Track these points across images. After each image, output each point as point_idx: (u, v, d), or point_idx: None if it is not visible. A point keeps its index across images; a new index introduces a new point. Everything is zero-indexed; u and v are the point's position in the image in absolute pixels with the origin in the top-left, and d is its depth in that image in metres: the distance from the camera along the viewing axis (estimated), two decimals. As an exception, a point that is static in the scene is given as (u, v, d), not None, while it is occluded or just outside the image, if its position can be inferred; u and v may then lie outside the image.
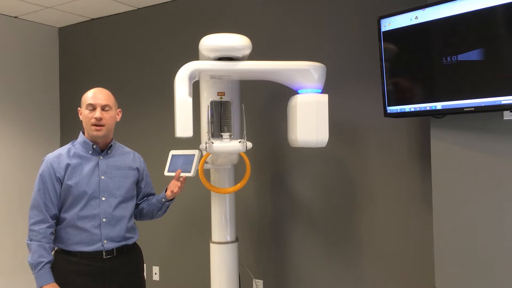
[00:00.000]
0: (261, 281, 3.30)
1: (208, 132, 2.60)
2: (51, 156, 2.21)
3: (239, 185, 2.71)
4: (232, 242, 2.83)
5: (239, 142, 2.54)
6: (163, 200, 2.37)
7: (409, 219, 2.81)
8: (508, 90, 1.95)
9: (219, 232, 2.82)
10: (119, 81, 4.02)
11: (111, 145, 2.29)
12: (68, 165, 2.17)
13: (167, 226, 3.76)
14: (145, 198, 2.45)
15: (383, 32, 2.38)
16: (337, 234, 3.05)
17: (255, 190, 3.35)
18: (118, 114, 2.31)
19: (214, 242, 2.83)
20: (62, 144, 4.43)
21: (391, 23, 2.35)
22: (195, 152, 2.69)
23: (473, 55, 2.03)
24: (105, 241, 2.17)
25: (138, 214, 2.44)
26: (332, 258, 3.07)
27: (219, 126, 2.67)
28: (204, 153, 2.57)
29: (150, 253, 3.81)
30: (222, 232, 2.82)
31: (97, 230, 2.16)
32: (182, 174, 2.43)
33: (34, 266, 2.07)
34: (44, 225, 2.11)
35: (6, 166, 4.05)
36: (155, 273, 3.82)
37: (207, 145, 2.49)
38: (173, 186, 2.35)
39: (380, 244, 2.90)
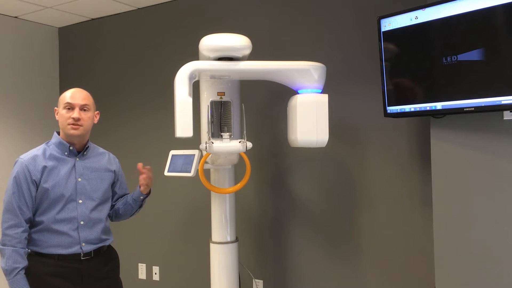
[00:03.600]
0: (261, 281, 3.30)
1: (208, 132, 2.60)
2: (25, 157, 2.13)
3: (239, 185, 2.71)
4: (232, 242, 2.83)
5: (239, 142, 2.54)
6: (141, 197, 2.36)
7: (409, 219, 2.81)
8: (508, 90, 1.95)
9: (219, 232, 2.82)
10: (119, 81, 4.02)
11: (88, 146, 2.25)
12: (44, 167, 2.10)
13: (167, 226, 3.76)
14: (119, 199, 2.42)
15: (383, 32, 2.38)
16: (337, 234, 3.05)
17: (255, 190, 3.35)
18: (96, 116, 2.27)
19: (214, 242, 2.83)
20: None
21: (391, 23, 2.35)
22: (195, 152, 2.69)
23: (473, 55, 2.03)
24: (83, 244, 2.14)
25: (113, 215, 2.41)
26: (332, 258, 3.07)
27: (219, 126, 2.67)
28: (204, 153, 2.57)
29: (150, 253, 3.82)
30: (222, 232, 2.82)
31: (75, 233, 2.13)
32: (182, 174, 2.43)
33: (8, 272, 2.02)
34: (19, 230, 2.05)
35: (6, 166, 4.04)
36: (155, 273, 3.81)
37: (207, 145, 2.48)
38: (142, 180, 2.34)
39: (380, 244, 2.90)
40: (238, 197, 2.94)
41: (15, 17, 4.11)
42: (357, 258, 2.98)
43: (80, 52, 4.33)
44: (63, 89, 4.48)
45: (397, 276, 2.84)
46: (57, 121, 2.22)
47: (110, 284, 2.28)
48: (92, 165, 2.24)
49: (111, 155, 2.40)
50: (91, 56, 4.26)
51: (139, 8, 3.94)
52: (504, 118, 2.10)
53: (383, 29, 2.38)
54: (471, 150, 2.19)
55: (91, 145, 2.30)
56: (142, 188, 2.35)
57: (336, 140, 2.94)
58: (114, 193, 2.38)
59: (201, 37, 2.55)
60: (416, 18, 2.24)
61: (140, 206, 2.43)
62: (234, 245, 2.83)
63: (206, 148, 2.49)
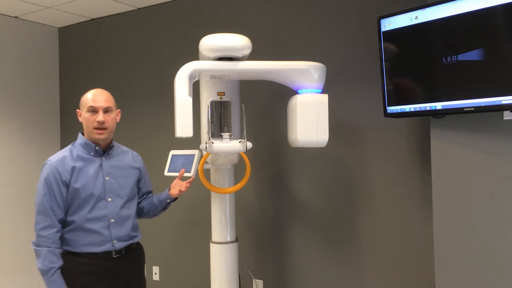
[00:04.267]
0: (261, 281, 3.30)
1: (208, 132, 2.60)
2: (54, 159, 2.17)
3: (239, 185, 2.71)
4: (232, 242, 2.83)
5: (239, 142, 2.54)
6: (168, 200, 2.41)
7: (409, 219, 2.81)
8: (508, 90, 1.95)
9: (219, 232, 2.82)
10: (119, 81, 4.02)
11: (112, 145, 2.30)
12: (73, 168, 2.15)
13: (167, 226, 3.76)
14: (145, 197, 2.46)
15: (383, 32, 2.38)
16: (337, 234, 3.05)
17: (255, 190, 3.35)
18: (118, 115, 2.31)
19: (214, 242, 2.83)
20: (62, 144, 4.43)
21: (391, 23, 2.35)
22: (195, 152, 2.69)
23: (473, 55, 2.03)
24: (115, 241, 2.19)
25: (138, 212, 2.44)
26: (332, 258, 3.07)
27: (219, 126, 2.67)
28: (204, 153, 2.57)
29: (150, 253, 3.80)
30: (222, 232, 2.82)
31: (107, 231, 2.17)
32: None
33: (45, 272, 2.06)
34: (53, 230, 2.09)
35: (6, 166, 4.05)
36: (155, 273, 3.82)
37: (207, 145, 2.49)
38: (180, 186, 2.38)
39: (380, 244, 2.90)
40: (238, 197, 2.94)
41: (15, 17, 4.11)
42: (357, 258, 2.98)
43: (80, 52, 4.33)
44: (63, 89, 4.50)
45: (397, 276, 2.84)
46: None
47: (137, 280, 2.35)
48: (117, 163, 2.29)
49: (134, 152, 2.44)
50: (91, 56, 4.26)
51: (139, 8, 3.94)
52: (504, 118, 2.10)
53: (383, 29, 2.38)
54: (471, 150, 2.19)
55: (115, 143, 2.34)
56: (176, 191, 2.38)
57: (336, 140, 2.94)
58: (138, 189, 2.41)
59: (201, 37, 2.55)
60: (416, 18, 2.24)
61: (165, 208, 2.47)
62: (234, 245, 2.83)
63: (206, 148, 2.49)
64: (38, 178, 2.17)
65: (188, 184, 2.38)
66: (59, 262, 2.08)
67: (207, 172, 2.82)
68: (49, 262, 2.06)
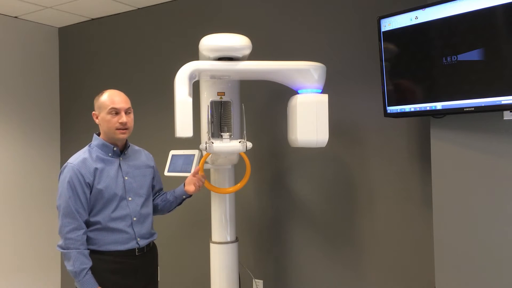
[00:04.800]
0: (261, 281, 3.30)
1: (208, 132, 2.60)
2: (75, 161, 2.19)
3: (239, 185, 2.71)
4: (232, 242, 2.83)
5: (239, 142, 2.54)
6: (184, 196, 2.48)
7: (409, 219, 2.81)
8: (508, 90, 1.95)
9: (219, 232, 2.82)
10: (119, 81, 4.02)
11: (129, 145, 2.36)
12: (96, 169, 2.18)
13: (167, 226, 3.76)
14: (157, 194, 2.52)
15: (383, 32, 2.38)
16: (337, 234, 3.05)
17: (255, 190, 3.35)
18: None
19: (214, 242, 2.83)
20: (62, 144, 4.43)
21: (391, 23, 2.35)
22: (195, 152, 2.69)
23: (473, 55, 2.03)
24: (139, 239, 2.25)
25: (153, 209, 2.49)
26: (332, 258, 3.07)
27: (219, 126, 2.67)
28: (204, 153, 2.58)
29: (150, 253, 3.82)
30: (222, 232, 2.82)
31: (130, 229, 2.23)
32: (182, 174, 2.46)
33: (78, 273, 2.09)
34: (80, 232, 2.12)
35: (6, 166, 4.05)
36: (155, 273, 3.81)
37: (207, 145, 2.49)
38: (195, 180, 2.45)
39: (380, 244, 2.90)
40: (238, 197, 2.94)
41: (15, 17, 4.11)
42: (357, 258, 2.98)
43: (80, 52, 4.33)
44: (63, 89, 4.50)
45: (397, 276, 2.84)
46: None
47: (155, 277, 2.44)
48: (134, 163, 2.35)
49: (146, 151, 2.50)
50: (91, 56, 4.26)
51: (139, 8, 3.94)
52: (504, 118, 2.10)
53: (383, 29, 2.38)
54: (471, 150, 2.19)
55: (130, 143, 2.39)
56: (192, 188, 2.45)
57: (336, 140, 2.94)
58: (152, 187, 2.46)
59: (201, 37, 2.55)
60: (416, 18, 2.24)
61: (179, 204, 2.53)
62: (234, 245, 2.84)
63: (206, 148, 2.49)
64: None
65: (202, 178, 2.46)
66: (89, 263, 2.12)
67: (207, 172, 2.82)
68: (80, 263, 2.09)
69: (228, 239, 2.82)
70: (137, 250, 2.25)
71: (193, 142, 2.59)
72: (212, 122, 2.65)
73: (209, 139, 2.56)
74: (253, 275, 3.25)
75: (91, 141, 2.34)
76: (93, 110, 2.32)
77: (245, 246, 3.27)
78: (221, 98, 2.67)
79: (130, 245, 2.23)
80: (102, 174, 2.20)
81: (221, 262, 2.80)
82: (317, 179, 3.13)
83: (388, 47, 2.38)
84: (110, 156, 2.27)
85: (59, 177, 2.20)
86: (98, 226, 2.18)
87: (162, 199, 2.50)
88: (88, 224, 2.19)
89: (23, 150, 4.17)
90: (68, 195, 2.13)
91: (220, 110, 2.68)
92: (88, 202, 2.17)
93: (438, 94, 2.20)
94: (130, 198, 2.26)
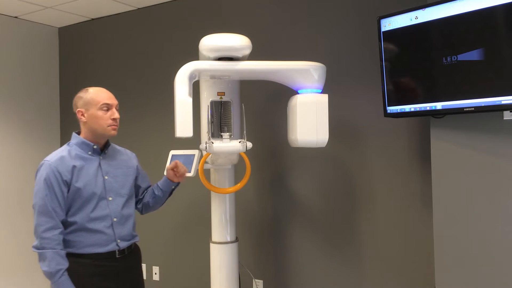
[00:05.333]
0: (261, 281, 3.30)
1: (208, 132, 2.60)
2: (52, 159, 2.11)
3: (239, 185, 2.71)
4: (232, 242, 2.83)
5: (239, 142, 2.54)
6: (173, 187, 2.39)
7: (409, 218, 2.81)
8: (508, 90, 1.95)
9: (219, 232, 2.82)
10: (119, 81, 4.02)
11: (109, 144, 2.27)
12: (74, 167, 2.10)
13: (167, 226, 3.76)
14: (145, 191, 2.43)
15: (383, 32, 2.38)
16: (337, 234, 3.05)
17: (255, 190, 3.35)
18: None
19: (214, 242, 2.83)
20: (62, 144, 4.41)
21: (391, 23, 2.35)
22: (195, 152, 2.69)
23: (473, 55, 2.03)
24: (119, 241, 2.17)
25: (143, 208, 2.44)
26: (332, 258, 3.07)
27: (219, 126, 2.67)
28: (204, 153, 2.57)
29: (150, 253, 3.81)
30: (222, 232, 2.82)
31: (110, 230, 2.14)
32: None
33: (53, 274, 2.00)
34: (57, 231, 2.04)
35: (6, 166, 4.05)
36: (155, 273, 3.82)
37: (207, 145, 2.49)
38: (172, 176, 2.37)
39: (380, 244, 2.90)
40: (238, 197, 2.94)
41: (15, 17, 4.11)
42: (357, 258, 2.98)
43: (80, 52, 4.33)
44: (63, 89, 4.50)
45: (397, 276, 2.84)
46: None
47: (139, 280, 2.34)
48: (115, 162, 2.26)
49: (128, 151, 2.41)
50: (91, 56, 4.26)
51: (139, 8, 3.94)
52: (504, 118, 2.09)
53: (383, 29, 2.38)
54: (471, 150, 2.19)
55: (111, 142, 2.31)
56: (174, 178, 2.36)
57: (336, 140, 2.94)
58: (138, 187, 2.39)
59: (201, 37, 2.55)
60: (416, 18, 2.24)
61: (170, 194, 2.44)
62: (234, 245, 2.84)
63: (206, 148, 2.49)
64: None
65: (178, 167, 2.35)
66: (65, 264, 2.04)
67: (207, 172, 2.82)
68: (56, 264, 2.01)
69: (228, 239, 2.82)
70: (117, 253, 2.16)
71: (193, 142, 2.59)
72: (212, 122, 2.65)
73: (209, 139, 2.56)
74: (253, 275, 3.25)
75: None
76: None
77: (245, 246, 3.27)
78: (221, 98, 2.67)
79: (110, 247, 2.13)
80: (81, 172, 2.11)
81: (221, 262, 2.80)
82: (317, 179, 3.13)
83: (388, 47, 2.38)
84: (89, 154, 2.17)
85: (36, 175, 2.11)
86: (75, 226, 2.09)
87: (151, 196, 2.40)
88: (65, 224, 2.09)
89: (23, 150, 4.17)
90: (44, 193, 2.04)
91: (220, 110, 2.68)
92: (66, 201, 2.08)
93: (438, 94, 2.20)
94: (110, 198, 2.17)
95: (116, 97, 2.31)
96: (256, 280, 3.29)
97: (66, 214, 2.11)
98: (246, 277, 3.19)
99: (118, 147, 2.37)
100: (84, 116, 2.16)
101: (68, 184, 2.08)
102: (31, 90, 4.25)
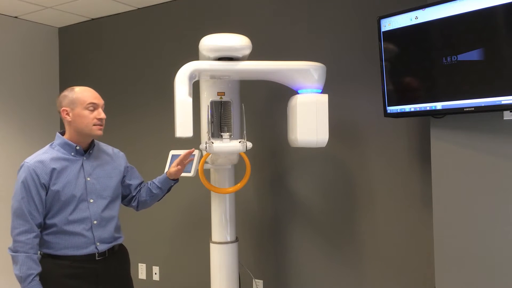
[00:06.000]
0: (261, 281, 3.30)
1: (208, 132, 2.60)
2: (31, 161, 2.06)
3: (239, 185, 2.71)
4: (232, 242, 2.83)
5: (239, 142, 2.54)
6: (172, 184, 2.37)
7: (409, 218, 2.81)
8: (508, 90, 1.95)
9: (219, 232, 2.82)
10: (119, 81, 4.02)
11: (94, 145, 2.20)
12: (53, 169, 2.05)
13: (167, 226, 3.76)
14: (138, 188, 2.39)
15: (383, 32, 2.38)
16: (337, 234, 3.05)
17: (255, 190, 3.35)
18: None
19: (214, 242, 2.83)
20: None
21: (391, 23, 2.35)
22: (195, 152, 2.69)
23: (473, 55, 2.03)
24: (98, 244, 2.11)
25: (139, 205, 2.40)
26: (332, 258, 3.07)
27: (219, 126, 2.67)
28: (204, 153, 2.57)
29: (150, 253, 3.82)
30: (222, 232, 2.82)
31: (89, 233, 2.09)
32: (183, 174, 2.43)
33: (23, 279, 1.98)
34: (31, 235, 2.00)
35: (6, 166, 4.05)
36: (155, 273, 3.82)
37: (207, 145, 2.49)
38: (177, 163, 2.33)
39: (380, 244, 2.90)
40: (238, 197, 2.94)
41: (15, 17, 4.11)
42: (357, 258, 2.98)
43: (80, 52, 4.33)
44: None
45: (397, 276, 2.84)
46: (58, 121, 2.15)
47: (124, 283, 2.29)
48: (99, 163, 2.20)
49: (115, 149, 2.35)
50: (91, 56, 4.26)
51: (139, 8, 3.94)
52: (504, 118, 2.09)
53: (383, 29, 2.38)
54: (471, 150, 2.19)
55: (96, 142, 2.25)
56: (172, 171, 2.32)
57: (336, 140, 2.94)
58: (128, 185, 2.35)
59: (201, 37, 2.55)
60: (416, 18, 2.24)
61: (169, 190, 2.41)
62: (234, 245, 2.84)
63: (206, 148, 2.49)
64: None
65: (180, 167, 2.32)
66: (37, 269, 2.00)
67: (207, 172, 2.82)
68: (27, 268, 1.98)
69: (228, 239, 2.82)
70: (97, 255, 2.11)
71: (193, 142, 2.59)
72: (212, 122, 2.65)
73: (209, 139, 2.56)
74: (253, 275, 3.25)
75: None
76: None
77: (245, 246, 3.27)
78: (221, 98, 2.67)
79: (89, 250, 2.08)
80: (61, 174, 2.06)
81: (221, 262, 2.80)
82: (317, 179, 3.13)
83: (388, 47, 2.38)
84: (72, 155, 2.12)
85: (17, 175, 2.09)
86: (54, 229, 2.06)
87: (148, 193, 2.35)
88: (44, 226, 2.07)
89: (23, 150, 4.17)
90: (21, 195, 2.01)
91: (220, 110, 2.68)
92: (43, 204, 2.04)
93: (438, 94, 2.20)
94: (91, 200, 2.12)
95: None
96: (256, 280, 3.30)
97: (46, 216, 2.07)
98: (246, 277, 3.19)
99: (105, 147, 2.31)
100: (69, 115, 2.10)
101: (46, 187, 2.04)
102: (31, 90, 4.25)
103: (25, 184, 2.03)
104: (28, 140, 4.21)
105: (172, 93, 2.45)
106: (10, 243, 2.05)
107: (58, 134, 2.17)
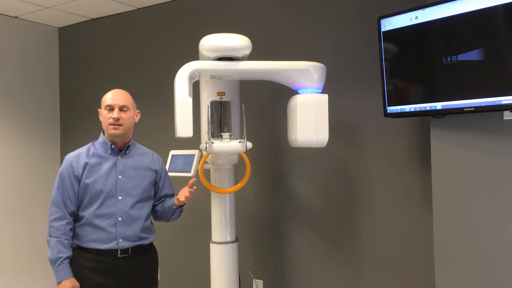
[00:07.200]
0: (261, 281, 3.30)
1: (208, 132, 2.60)
2: (71, 155, 2.28)
3: (239, 185, 2.71)
4: (232, 242, 2.83)
5: (239, 142, 2.54)
6: (174, 207, 2.39)
7: (409, 219, 2.80)
8: (508, 90, 1.95)
9: (219, 232, 2.82)
10: (119, 81, 4.01)
11: (129, 145, 2.34)
12: (86, 164, 2.23)
13: (167, 226, 3.75)
14: (162, 200, 2.45)
15: (383, 32, 2.38)
16: (337, 234, 3.05)
17: (255, 190, 3.35)
18: (136, 115, 2.39)
19: (214, 242, 2.83)
20: (62, 144, 4.43)
21: (391, 23, 2.35)
22: (195, 152, 2.69)
23: (473, 55, 2.03)
24: (120, 240, 2.22)
25: (154, 215, 2.48)
26: (332, 258, 3.07)
27: (219, 126, 2.67)
28: (204, 153, 2.58)
29: (150, 253, 3.81)
30: (222, 232, 2.82)
31: (113, 229, 2.21)
32: (182, 174, 2.45)
33: (53, 261, 2.14)
34: (63, 222, 2.17)
35: (6, 166, 4.05)
36: (155, 273, 3.81)
37: (207, 145, 2.49)
38: (181, 195, 2.32)
39: (380, 244, 2.90)
40: (238, 197, 2.94)
41: (15, 17, 4.11)
42: (357, 258, 2.98)
43: (80, 52, 4.33)
44: (63, 89, 4.50)
45: (397, 276, 2.84)
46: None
47: (148, 283, 2.37)
48: (133, 163, 2.32)
49: (156, 155, 2.46)
50: (91, 56, 4.26)
51: (139, 8, 3.94)
52: (504, 118, 2.10)
53: (383, 29, 2.38)
54: (471, 150, 2.19)
55: (135, 144, 2.40)
56: (180, 198, 2.32)
57: (336, 140, 2.94)
58: (156, 191, 2.43)
59: (201, 37, 2.55)
60: (416, 18, 2.24)
61: (177, 215, 2.44)
62: (234, 245, 2.84)
63: (206, 148, 2.49)
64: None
65: (188, 194, 2.31)
66: (67, 253, 2.16)
67: (207, 172, 2.82)
68: (57, 252, 2.13)
69: (228, 239, 2.82)
70: (119, 252, 2.22)
71: (193, 142, 2.59)
72: (212, 122, 2.65)
73: (209, 139, 2.56)
74: (253, 275, 3.25)
75: (92, 140, 2.38)
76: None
77: (245, 246, 3.27)
78: (221, 98, 2.67)
79: (111, 245, 2.20)
80: (93, 169, 2.24)
81: (221, 262, 2.80)
82: (317, 179, 3.13)
83: (388, 47, 2.38)
84: (108, 153, 2.29)
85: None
86: (83, 221, 2.22)
87: (162, 206, 2.43)
88: (76, 218, 2.24)
89: (23, 150, 4.17)
90: (57, 185, 2.22)
91: (220, 110, 2.68)
92: (76, 195, 2.22)
93: (438, 94, 2.20)
94: (120, 197, 2.24)
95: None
96: (256, 280, 3.30)
97: (78, 208, 2.24)
98: (246, 277, 3.19)
99: (145, 150, 2.44)
100: (100, 116, 2.32)
101: (79, 179, 2.23)
102: (31, 90, 4.25)
103: (61, 175, 2.24)
104: (28, 139, 4.21)
105: (172, 93, 2.45)
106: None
107: (101, 133, 2.34)
